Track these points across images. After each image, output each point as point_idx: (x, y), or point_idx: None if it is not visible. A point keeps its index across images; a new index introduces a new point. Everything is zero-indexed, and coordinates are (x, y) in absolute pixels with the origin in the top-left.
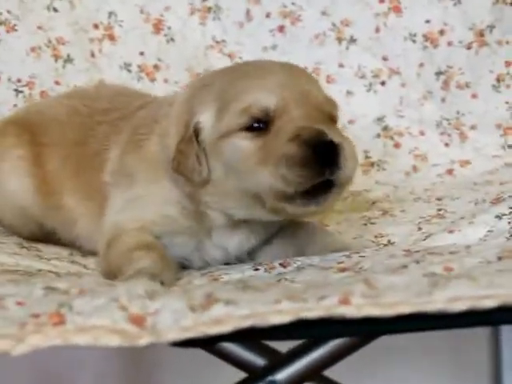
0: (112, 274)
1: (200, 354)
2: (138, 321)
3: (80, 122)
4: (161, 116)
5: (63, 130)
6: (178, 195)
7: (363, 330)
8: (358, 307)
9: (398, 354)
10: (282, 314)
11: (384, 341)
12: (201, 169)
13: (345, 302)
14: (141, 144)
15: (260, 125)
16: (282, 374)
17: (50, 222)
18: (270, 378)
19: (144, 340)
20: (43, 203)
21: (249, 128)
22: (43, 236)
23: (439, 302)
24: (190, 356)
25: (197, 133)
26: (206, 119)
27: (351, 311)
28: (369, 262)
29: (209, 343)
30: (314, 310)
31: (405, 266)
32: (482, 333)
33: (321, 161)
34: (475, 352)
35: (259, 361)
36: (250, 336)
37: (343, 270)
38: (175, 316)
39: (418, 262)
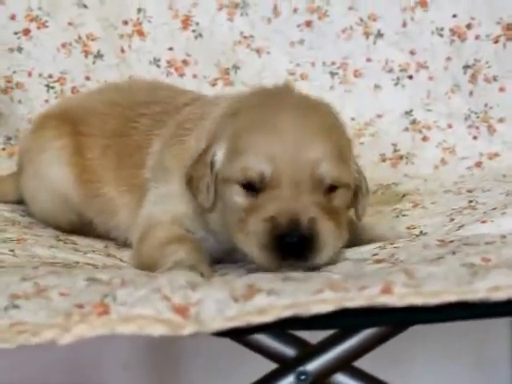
0: (145, 267)
1: (228, 344)
2: (181, 311)
3: (121, 113)
4: (205, 115)
5: (104, 121)
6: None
7: (403, 320)
8: (401, 296)
9: (420, 344)
10: (324, 303)
11: (406, 331)
12: (208, 197)
13: (387, 291)
14: (183, 139)
15: (255, 184)
16: (313, 365)
17: (89, 211)
18: (300, 368)
19: (188, 329)
20: (83, 192)
21: (244, 185)
22: (81, 226)
23: (481, 291)
24: (218, 346)
25: (212, 163)
26: (220, 155)
27: (394, 300)
28: (404, 253)
29: (245, 333)
30: (356, 300)
31: (441, 257)
32: (503, 323)
33: (285, 250)
34: (497, 343)
35: (290, 351)
36: (284, 326)
37: (379, 261)
38: (218, 306)
39: (454, 253)
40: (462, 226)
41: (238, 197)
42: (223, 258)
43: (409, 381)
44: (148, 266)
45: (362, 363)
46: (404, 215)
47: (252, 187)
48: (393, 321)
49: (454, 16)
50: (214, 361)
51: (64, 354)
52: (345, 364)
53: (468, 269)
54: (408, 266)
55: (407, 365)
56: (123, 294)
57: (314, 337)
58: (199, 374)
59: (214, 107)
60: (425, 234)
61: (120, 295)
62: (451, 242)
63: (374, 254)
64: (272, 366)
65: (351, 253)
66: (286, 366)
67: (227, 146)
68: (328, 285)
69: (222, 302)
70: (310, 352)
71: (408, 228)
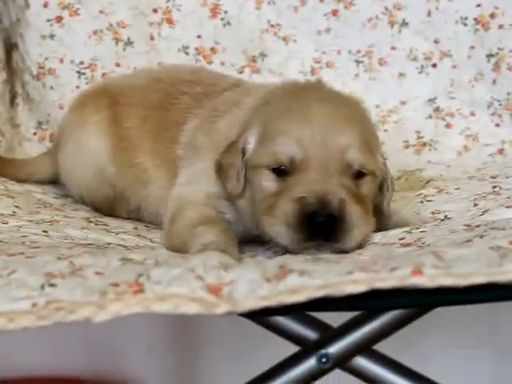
0: (176, 248)
1: (250, 326)
2: (214, 290)
3: (163, 88)
4: (239, 103)
5: (145, 93)
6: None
7: (433, 301)
8: (431, 277)
9: (435, 326)
10: (355, 283)
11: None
12: (237, 185)
13: (417, 272)
14: (214, 121)
15: (285, 168)
16: (334, 348)
17: (123, 182)
18: (322, 351)
19: (221, 308)
20: (119, 161)
21: (274, 169)
22: (114, 201)
23: (510, 272)
24: (239, 329)
25: (244, 151)
26: (251, 142)
27: (424, 281)
28: (431, 237)
29: (272, 314)
30: (387, 281)
31: (469, 240)
32: None
33: (314, 229)
34: None
35: (311, 334)
36: (313, 308)
37: (406, 245)
38: (251, 286)
39: (481, 237)
40: (486, 211)
41: (268, 181)
42: (250, 242)
43: (425, 363)
44: (178, 247)
45: (378, 346)
46: (428, 200)
47: (282, 171)
48: (423, 302)
49: (478, 5)
50: (235, 343)
51: (88, 336)
52: (365, 347)
53: (496, 251)
54: (436, 248)
55: (423, 348)
56: (157, 274)
57: (334, 320)
58: (221, 357)
59: (248, 97)
60: (449, 218)
61: (154, 274)
62: (477, 226)
63: (401, 238)
64: (292, 348)
65: (378, 237)
66: (307, 348)
67: (258, 133)
68: (358, 266)
69: (255, 282)
70: (331, 335)
71: (432, 213)
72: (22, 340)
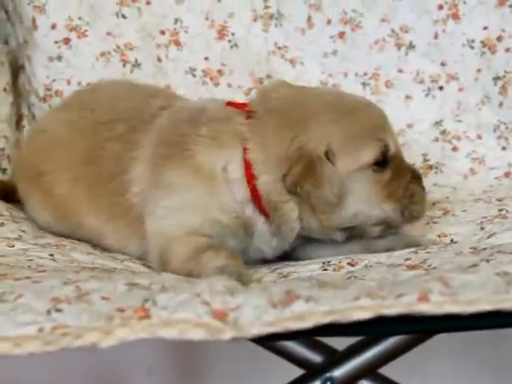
0: None
1: (253, 350)
2: (220, 315)
3: (84, 139)
4: (209, 128)
5: (65, 152)
6: (233, 203)
7: (441, 327)
8: (438, 304)
9: (438, 351)
10: (362, 310)
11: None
12: (333, 190)
13: (423, 299)
14: (183, 155)
15: (383, 162)
16: (339, 371)
17: (81, 237)
18: (327, 374)
19: (227, 334)
20: (64, 225)
21: (377, 164)
22: None
23: None
24: (242, 352)
25: (328, 158)
26: (335, 149)
27: (431, 308)
28: (437, 259)
29: (278, 339)
30: (393, 307)
31: (475, 265)
32: None
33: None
34: None
35: (316, 358)
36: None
37: (412, 267)
38: (257, 312)
39: (487, 261)
40: (492, 235)
41: (377, 175)
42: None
43: None
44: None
45: (382, 370)
46: (435, 222)
47: (381, 164)
48: (429, 328)
49: (485, 28)
50: (238, 366)
51: (89, 358)
52: (370, 371)
53: (502, 277)
54: (443, 273)
55: (427, 371)
56: (164, 299)
57: (339, 343)
58: (224, 380)
59: (222, 123)
60: (455, 242)
61: (160, 300)
62: (484, 249)
63: (407, 259)
64: (297, 372)
65: (384, 257)
66: (312, 371)
67: (341, 138)
68: (365, 292)
69: (261, 308)
70: (336, 358)
71: (439, 236)
72: (22, 361)
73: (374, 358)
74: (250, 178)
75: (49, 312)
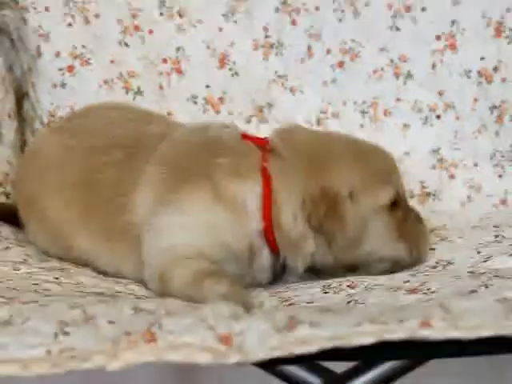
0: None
1: (252, 370)
2: (225, 340)
3: (77, 164)
4: (230, 159)
5: (60, 177)
6: (246, 232)
7: (444, 352)
8: (440, 330)
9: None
10: (365, 335)
11: None
12: (356, 234)
13: (426, 324)
14: (201, 180)
15: (395, 203)
16: None
17: (73, 259)
18: None
19: (233, 358)
20: (59, 248)
21: (392, 204)
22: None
23: None
24: (241, 372)
25: (351, 199)
26: (357, 190)
27: (432, 333)
28: (435, 282)
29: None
30: (396, 332)
31: (475, 291)
32: None
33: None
34: None
35: (315, 380)
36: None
37: (412, 291)
38: (261, 336)
39: (486, 286)
40: (489, 258)
41: (390, 217)
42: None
43: None
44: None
45: None
46: (432, 249)
47: (394, 205)
48: (430, 353)
49: (482, 59)
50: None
51: (90, 375)
52: None
53: (502, 304)
54: (443, 300)
55: None
56: (169, 323)
57: (337, 366)
58: None
59: (245, 158)
60: (452, 263)
61: (166, 324)
62: (482, 273)
63: (406, 281)
64: None
65: (383, 279)
66: None
67: (361, 180)
68: (367, 318)
69: (265, 333)
70: (334, 380)
71: (436, 262)
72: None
73: (373, 381)
74: (268, 211)
75: (56, 335)
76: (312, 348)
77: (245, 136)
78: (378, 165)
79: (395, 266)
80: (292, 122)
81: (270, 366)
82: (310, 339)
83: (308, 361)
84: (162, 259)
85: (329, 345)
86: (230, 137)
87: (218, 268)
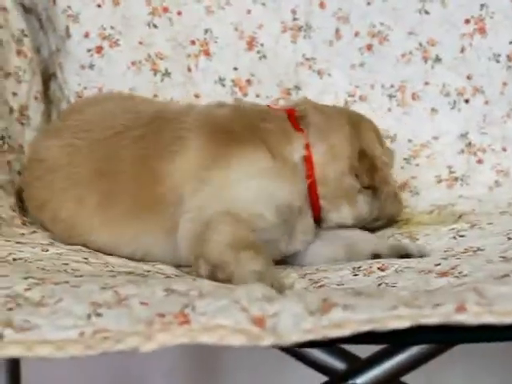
0: (213, 270)
1: (272, 355)
2: (259, 322)
3: (85, 160)
4: (275, 125)
5: (68, 176)
6: (298, 193)
7: (478, 337)
8: (475, 315)
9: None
10: (400, 319)
11: None
12: (392, 186)
13: (461, 309)
14: (254, 142)
15: None
16: (363, 379)
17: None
18: (350, 381)
19: (266, 341)
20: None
21: None
22: None
23: None
24: (261, 357)
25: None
26: (379, 152)
27: (468, 318)
28: (467, 266)
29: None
30: (432, 317)
31: (507, 275)
32: None
33: None
34: None
35: (339, 365)
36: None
37: (443, 274)
38: (295, 319)
39: None
40: None
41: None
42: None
43: None
44: (215, 263)
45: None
46: (461, 236)
47: None
48: (469, 338)
49: (511, 43)
50: (259, 371)
51: (106, 362)
52: (394, 378)
53: None
54: (477, 284)
55: (442, 381)
56: (203, 305)
57: (363, 351)
58: None
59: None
60: (482, 250)
61: (199, 305)
62: None
63: (437, 264)
64: (319, 378)
65: (415, 262)
66: (335, 378)
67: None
68: (402, 301)
69: (298, 316)
70: (359, 366)
71: (465, 249)
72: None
73: (398, 367)
74: (312, 171)
75: (89, 316)
76: (346, 331)
77: (269, 107)
78: (377, 129)
79: (389, 223)
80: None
81: (301, 347)
82: (344, 322)
83: (332, 344)
84: (200, 217)
85: (364, 328)
86: (262, 106)
87: (257, 240)
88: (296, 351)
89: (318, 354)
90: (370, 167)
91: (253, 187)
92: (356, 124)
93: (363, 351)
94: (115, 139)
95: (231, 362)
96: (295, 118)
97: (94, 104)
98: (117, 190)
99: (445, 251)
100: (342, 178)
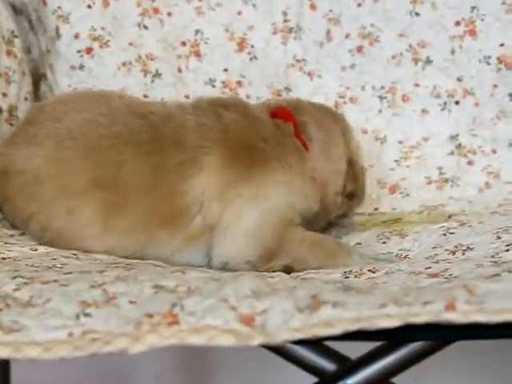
0: (289, 265)
1: (262, 355)
2: (247, 321)
3: (82, 169)
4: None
5: (59, 186)
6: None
7: (467, 335)
8: (465, 313)
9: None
10: (389, 318)
11: None
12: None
13: (450, 307)
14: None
15: None
16: (353, 379)
17: None
18: (341, 382)
19: (256, 340)
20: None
21: None
22: None
23: None
24: (251, 358)
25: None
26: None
27: (457, 317)
28: (457, 269)
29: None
30: (421, 316)
31: (497, 275)
32: None
33: None
34: None
35: (329, 366)
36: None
37: (434, 275)
38: (284, 316)
39: (510, 272)
40: (510, 245)
41: None
42: None
43: None
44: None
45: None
46: (451, 233)
47: None
48: (452, 336)
49: (502, 45)
50: (247, 372)
51: (94, 363)
52: (386, 378)
53: None
54: (467, 282)
55: (432, 381)
56: (191, 304)
57: (353, 351)
58: None
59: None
60: (472, 249)
61: (188, 305)
62: (504, 262)
63: (427, 268)
64: (308, 379)
65: (405, 265)
66: (325, 379)
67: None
68: (391, 299)
69: (287, 313)
70: (350, 366)
71: (455, 246)
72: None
73: (388, 367)
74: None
75: (77, 316)
76: (336, 330)
77: (272, 114)
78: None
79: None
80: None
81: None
82: (333, 321)
83: (320, 341)
84: (269, 220)
85: (353, 327)
86: (261, 107)
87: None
88: (284, 351)
89: (307, 353)
90: (354, 176)
91: (283, 196)
92: (345, 131)
93: (351, 351)
94: (113, 149)
95: (220, 362)
96: (297, 126)
97: (68, 108)
98: (120, 200)
99: (433, 247)
100: (335, 198)
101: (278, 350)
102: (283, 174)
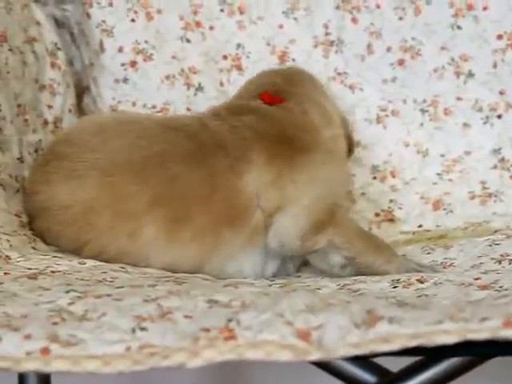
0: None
1: (299, 365)
2: (304, 336)
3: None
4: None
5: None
6: None
7: None
8: None
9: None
10: (447, 334)
11: None
12: None
13: (508, 324)
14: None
15: None
16: None
17: None
18: None
19: (313, 356)
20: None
21: None
22: None
23: None
24: (288, 367)
25: None
26: None
27: None
28: (507, 280)
29: None
30: (480, 332)
31: None
32: None
33: None
34: None
35: (370, 378)
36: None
37: (484, 287)
38: (340, 332)
39: None
40: None
41: None
42: None
43: None
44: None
45: None
46: (497, 244)
47: None
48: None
49: None
50: (281, 382)
51: (131, 375)
52: None
53: None
54: None
55: None
56: (247, 319)
57: (394, 364)
58: None
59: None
60: None
61: (244, 319)
62: None
63: (476, 278)
64: None
65: (453, 275)
66: None
67: None
68: (447, 314)
69: (344, 329)
70: (390, 380)
71: (501, 255)
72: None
73: (430, 380)
74: None
75: (134, 330)
76: (394, 346)
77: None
78: None
79: None
80: None
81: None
82: (390, 337)
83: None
84: (318, 208)
85: (411, 344)
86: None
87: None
88: (325, 363)
89: (348, 366)
90: (348, 136)
91: (333, 180)
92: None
93: (391, 364)
94: (162, 166)
95: (255, 371)
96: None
97: (101, 138)
98: (181, 213)
99: (479, 256)
100: None
101: (320, 363)
102: (326, 158)
